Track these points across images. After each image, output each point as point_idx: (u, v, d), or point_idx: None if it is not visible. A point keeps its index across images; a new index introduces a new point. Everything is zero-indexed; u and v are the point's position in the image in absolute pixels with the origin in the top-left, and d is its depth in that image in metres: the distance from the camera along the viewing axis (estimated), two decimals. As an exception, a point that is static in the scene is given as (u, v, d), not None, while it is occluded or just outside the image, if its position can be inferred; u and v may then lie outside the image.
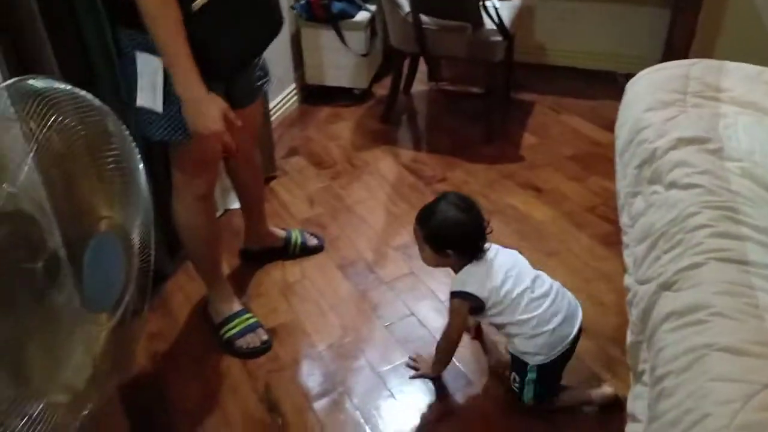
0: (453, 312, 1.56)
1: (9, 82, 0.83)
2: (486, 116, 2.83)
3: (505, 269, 1.51)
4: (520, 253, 1.62)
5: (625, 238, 1.47)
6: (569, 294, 1.58)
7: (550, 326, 1.48)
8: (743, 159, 1.33)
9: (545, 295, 1.51)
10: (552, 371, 1.55)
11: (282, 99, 2.96)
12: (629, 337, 1.27)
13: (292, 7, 2.92)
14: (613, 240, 2.17)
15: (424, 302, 1.97)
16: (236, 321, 1.82)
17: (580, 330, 1.54)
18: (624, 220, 1.49)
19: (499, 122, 2.91)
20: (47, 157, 0.90)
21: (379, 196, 2.48)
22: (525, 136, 2.87)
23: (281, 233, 2.15)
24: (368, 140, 2.84)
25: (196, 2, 1.29)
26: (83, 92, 0.94)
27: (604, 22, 3.32)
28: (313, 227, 2.29)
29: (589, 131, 2.88)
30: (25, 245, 0.85)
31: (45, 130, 0.89)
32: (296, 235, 2.17)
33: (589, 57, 3.38)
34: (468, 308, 1.53)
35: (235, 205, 2.32)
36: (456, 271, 1.56)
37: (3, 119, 0.85)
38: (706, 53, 3.05)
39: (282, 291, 2.03)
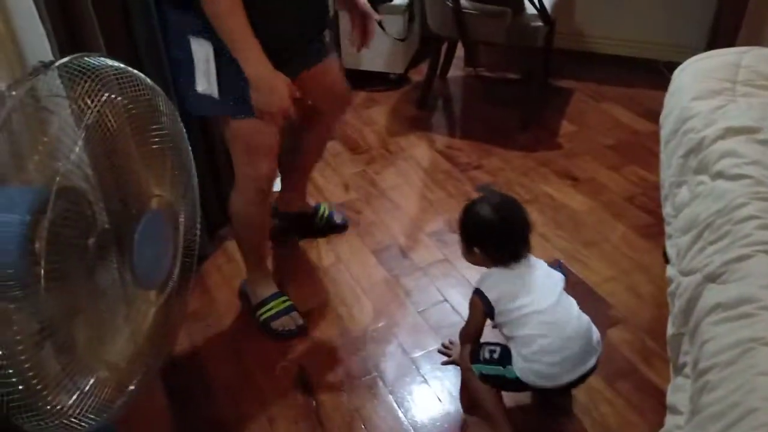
0: (470, 306, 1.53)
1: (65, 59, 0.85)
2: (523, 103, 2.80)
3: (530, 287, 1.42)
4: (562, 269, 1.54)
5: (668, 229, 1.44)
6: (594, 335, 1.44)
7: (553, 359, 1.38)
8: (795, 150, 1.29)
9: (558, 324, 1.40)
10: (522, 388, 1.47)
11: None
12: (670, 329, 1.25)
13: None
14: (651, 231, 2.14)
15: (457, 289, 1.96)
16: (273, 303, 1.84)
17: (584, 376, 1.43)
18: (668, 210, 1.46)
19: (537, 109, 2.88)
20: (99, 135, 0.91)
21: (413, 182, 2.48)
22: (563, 124, 2.83)
23: (312, 202, 2.21)
24: (404, 126, 2.84)
25: None
26: (135, 71, 0.95)
27: (646, 8, 3.24)
28: (347, 212, 2.30)
29: (629, 120, 2.83)
30: (78, 221, 0.87)
31: (98, 107, 0.90)
32: (324, 208, 2.21)
33: (631, 44, 3.31)
34: (481, 312, 1.48)
35: (275, 188, 2.34)
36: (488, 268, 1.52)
37: (58, 98, 0.87)
38: (753, 42, 2.97)
39: (317, 274, 2.04)
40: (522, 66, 2.99)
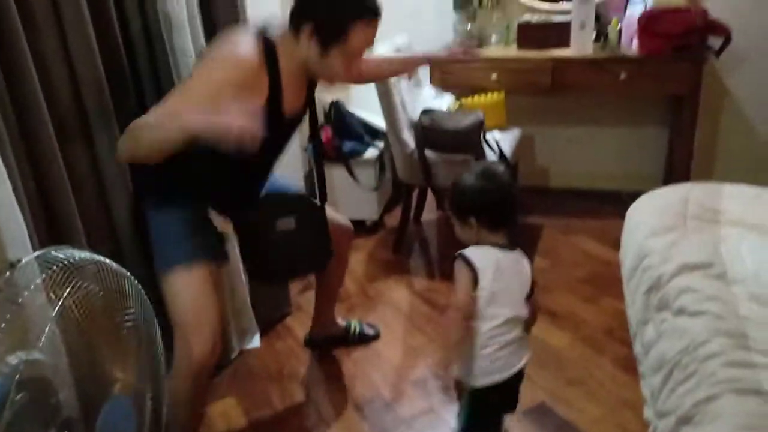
0: (456, 275, 1.53)
1: (36, 253, 0.89)
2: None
3: (511, 284, 1.53)
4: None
5: (640, 368, 1.45)
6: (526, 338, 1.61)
7: (496, 349, 1.50)
8: (749, 282, 1.34)
9: (512, 321, 1.52)
10: (485, 404, 1.56)
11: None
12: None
13: (305, 149, 3.08)
14: (633, 364, 2.12)
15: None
16: None
17: (521, 373, 1.58)
18: (637, 348, 1.48)
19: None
20: (68, 322, 0.94)
21: (394, 328, 2.48)
22: (536, 260, 2.90)
23: (342, 322, 2.35)
24: (381, 271, 2.89)
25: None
26: (101, 258, 1.00)
27: (604, 144, 3.46)
28: (327, 364, 2.28)
29: (599, 252, 2.91)
30: (41, 411, 0.86)
31: (66, 296, 0.93)
32: (354, 325, 2.36)
33: (593, 178, 3.49)
34: (469, 277, 1.49)
35: (253, 344, 2.35)
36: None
37: (31, 289, 0.90)
38: (707, 171, 3.15)
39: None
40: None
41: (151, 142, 1.33)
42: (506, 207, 1.57)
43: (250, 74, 1.49)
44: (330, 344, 2.34)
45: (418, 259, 3.07)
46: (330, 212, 1.99)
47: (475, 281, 1.50)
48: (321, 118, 3.16)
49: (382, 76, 2.36)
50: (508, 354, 1.53)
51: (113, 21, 1.67)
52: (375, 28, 1.56)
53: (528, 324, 1.61)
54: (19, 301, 0.94)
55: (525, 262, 1.61)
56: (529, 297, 1.61)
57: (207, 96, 1.37)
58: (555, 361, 2.23)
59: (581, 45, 2.92)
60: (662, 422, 1.20)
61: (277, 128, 1.59)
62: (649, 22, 2.78)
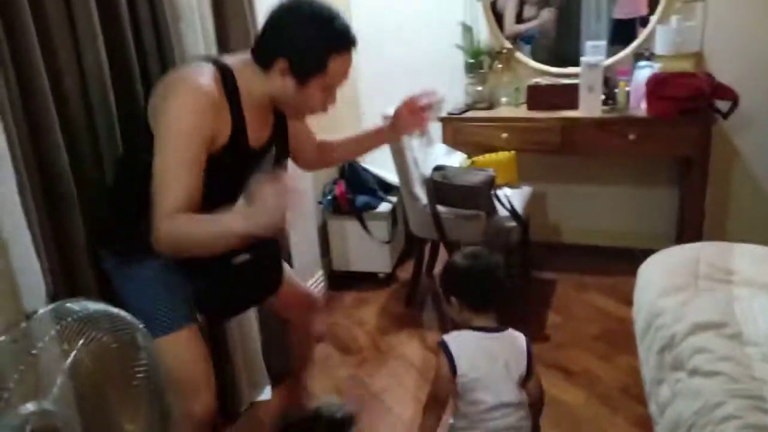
0: (436, 365, 1.52)
1: (51, 306, 0.91)
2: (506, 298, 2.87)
3: (499, 367, 1.49)
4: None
5: (656, 428, 1.42)
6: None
7: None
8: (762, 343, 1.33)
9: (504, 405, 1.49)
10: None
11: (309, 285, 3.05)
12: None
13: (320, 202, 3.13)
14: (649, 423, 2.08)
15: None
16: None
17: None
18: (653, 408, 1.46)
19: (522, 302, 2.94)
20: (79, 374, 0.95)
21: (405, 382, 2.46)
22: (549, 316, 2.88)
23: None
24: (394, 324, 2.88)
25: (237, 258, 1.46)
26: (115, 309, 1.02)
27: (616, 202, 3.48)
28: (338, 419, 2.25)
29: (613, 308, 2.88)
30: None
31: (79, 347, 0.95)
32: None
33: (605, 235, 3.49)
34: (446, 365, 1.47)
35: (263, 396, 2.33)
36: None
37: (45, 341, 0.92)
38: (719, 230, 3.15)
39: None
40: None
41: (205, 246, 1.37)
42: (489, 289, 1.56)
43: (211, 107, 1.40)
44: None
45: (430, 313, 3.06)
46: (293, 279, 1.91)
47: (453, 369, 1.50)
48: (335, 172, 3.23)
49: (352, 154, 2.11)
50: None
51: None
52: (351, 58, 1.50)
53: (534, 408, 1.57)
54: (33, 352, 0.95)
55: (518, 343, 1.58)
56: (526, 379, 1.57)
57: (183, 151, 1.36)
58: (569, 419, 2.19)
59: (590, 107, 2.98)
60: (678, 486, 1.18)
61: (243, 161, 1.54)
62: (657, 85, 2.83)
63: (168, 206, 1.32)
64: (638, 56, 3.16)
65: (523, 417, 1.53)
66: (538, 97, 3.15)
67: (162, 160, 1.36)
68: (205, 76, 1.42)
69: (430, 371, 2.49)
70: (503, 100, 3.37)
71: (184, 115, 1.37)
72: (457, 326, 1.63)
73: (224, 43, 2.05)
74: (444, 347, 1.51)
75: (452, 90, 3.36)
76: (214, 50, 1.97)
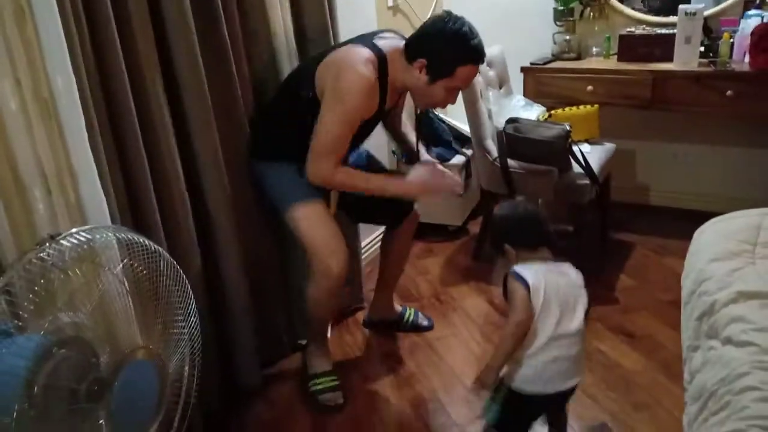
0: (514, 293, 1.54)
1: (69, 232, 1.02)
2: (577, 256, 2.79)
3: (563, 297, 1.54)
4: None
5: (685, 396, 1.37)
6: (583, 360, 1.62)
7: (541, 365, 1.52)
8: (809, 317, 1.23)
9: (567, 335, 1.53)
10: (520, 407, 1.59)
11: (379, 233, 3.11)
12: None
13: (393, 152, 3.15)
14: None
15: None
16: (323, 379, 2.15)
17: (567, 393, 1.60)
18: (685, 376, 1.41)
19: (593, 263, 2.85)
20: (112, 292, 1.06)
21: (461, 333, 2.49)
22: (621, 279, 2.79)
23: (398, 308, 2.52)
24: (457, 276, 2.90)
25: None
26: (144, 239, 1.12)
27: (711, 163, 3.25)
28: (390, 362, 2.33)
29: (692, 275, 2.74)
30: (77, 368, 0.99)
31: (111, 269, 1.06)
32: (410, 313, 2.51)
33: (695, 198, 3.28)
34: (525, 293, 1.51)
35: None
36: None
37: (90, 264, 1.04)
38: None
39: (352, 424, 2.05)
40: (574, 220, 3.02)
41: (370, 190, 2.00)
42: (537, 225, 1.64)
43: (371, 93, 1.86)
44: (385, 327, 2.49)
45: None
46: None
47: (529, 296, 1.52)
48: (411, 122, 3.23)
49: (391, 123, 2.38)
50: (558, 370, 1.54)
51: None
52: (476, 70, 1.90)
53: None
54: (80, 269, 1.07)
55: (574, 273, 1.62)
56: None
57: (347, 128, 1.86)
58: (624, 383, 2.15)
59: (685, 59, 2.77)
60: (690, 453, 1.15)
61: (379, 118, 2.03)
62: (763, 36, 2.59)
63: (332, 165, 1.87)
64: (748, 4, 2.89)
65: (582, 348, 1.59)
66: (630, 47, 2.98)
67: (330, 127, 1.84)
68: (369, 64, 1.83)
69: (486, 324, 2.52)
70: (593, 50, 3.21)
71: (352, 98, 1.81)
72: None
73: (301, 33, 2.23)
74: (518, 276, 1.54)
75: (539, 39, 3.24)
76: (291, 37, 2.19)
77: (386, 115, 2.11)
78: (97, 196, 1.49)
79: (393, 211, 2.26)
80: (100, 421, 1.01)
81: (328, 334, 2.29)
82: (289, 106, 2.00)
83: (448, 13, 1.86)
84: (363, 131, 1.98)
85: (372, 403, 2.14)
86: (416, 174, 2.02)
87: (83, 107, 1.48)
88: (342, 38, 2.23)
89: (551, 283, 1.55)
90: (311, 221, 1.97)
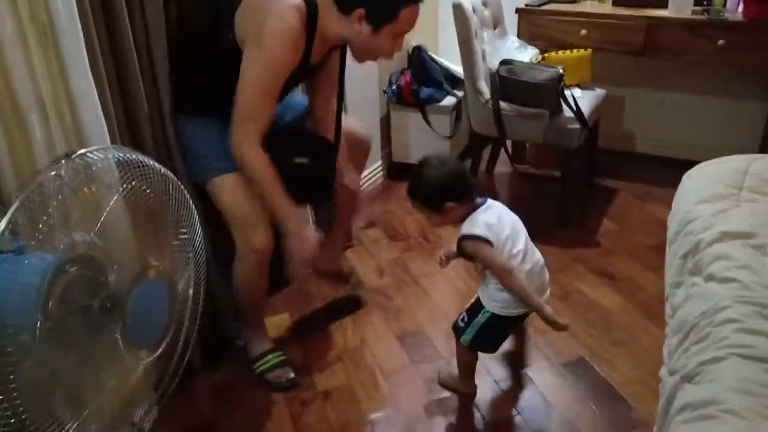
0: (476, 255, 1.68)
1: (84, 150, 1.02)
2: (561, 200, 2.86)
3: (510, 221, 1.70)
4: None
5: (666, 329, 1.44)
6: (546, 272, 1.80)
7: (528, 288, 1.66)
8: (789, 257, 1.30)
9: (535, 262, 1.73)
10: (498, 327, 1.76)
11: (368, 174, 3.13)
12: (654, 429, 1.25)
13: (384, 91, 3.14)
14: (682, 334, 2.09)
15: (479, 381, 1.97)
16: (268, 357, 2.03)
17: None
18: (667, 311, 1.47)
19: (578, 207, 2.92)
20: (119, 212, 1.08)
21: (446, 271, 2.54)
22: (604, 223, 2.86)
23: (345, 267, 2.51)
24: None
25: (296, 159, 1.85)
26: (152, 162, 1.13)
27: (698, 113, 3.29)
28: (378, 297, 2.39)
29: (673, 221, 2.81)
30: (90, 285, 1.01)
31: (122, 189, 1.07)
32: (354, 277, 2.49)
33: (682, 147, 3.33)
34: (486, 246, 1.63)
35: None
36: (461, 223, 1.71)
37: (102, 184, 1.05)
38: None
39: (341, 356, 2.12)
40: (561, 164, 3.06)
41: (254, 182, 1.75)
42: (467, 177, 1.74)
43: (296, 42, 1.70)
44: (331, 279, 2.44)
45: (484, 211, 3.09)
46: (350, 124, 2.15)
47: (492, 246, 1.65)
48: (403, 62, 3.21)
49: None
50: (537, 277, 1.74)
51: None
52: (418, 10, 1.75)
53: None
54: (90, 189, 1.08)
55: (497, 204, 1.76)
56: None
57: (272, 83, 1.69)
58: (603, 321, 2.23)
59: (679, 6, 2.78)
60: (670, 379, 1.22)
61: (303, 72, 1.84)
62: (758, -16, 2.59)
63: (257, 134, 1.69)
64: (745, -48, 2.87)
65: (539, 255, 1.78)
66: (625, -9, 2.96)
67: (254, 82, 1.66)
68: (295, 11, 1.66)
69: (471, 264, 2.57)
70: (588, -7, 3.18)
71: (278, 49, 1.65)
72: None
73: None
74: (472, 237, 1.66)
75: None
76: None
77: (310, 72, 1.92)
78: (98, 120, 1.48)
79: (316, 191, 2.02)
80: (116, 335, 1.05)
81: (263, 318, 2.14)
82: (206, 48, 1.82)
83: None
84: (284, 86, 1.78)
85: (362, 336, 2.21)
86: (304, 233, 1.84)
87: (84, 28, 1.45)
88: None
89: (496, 220, 1.68)
90: (233, 193, 1.81)
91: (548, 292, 1.80)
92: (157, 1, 1.71)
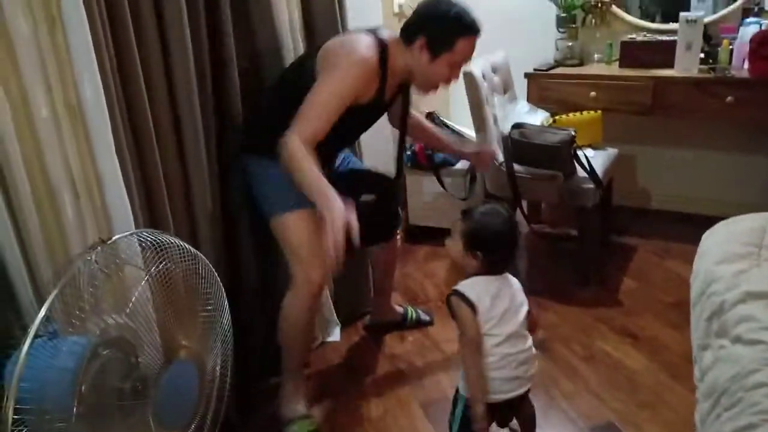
0: (455, 313, 1.63)
1: (119, 236, 1.06)
2: (580, 259, 2.86)
3: (509, 300, 1.64)
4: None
5: (696, 394, 1.42)
6: (532, 365, 1.69)
7: (497, 374, 1.61)
8: (815, 317, 1.29)
9: (521, 349, 1.64)
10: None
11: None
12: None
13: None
14: (711, 395, 2.05)
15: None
16: (299, 424, 2.01)
17: (523, 396, 1.69)
18: (696, 374, 1.46)
19: (596, 266, 2.91)
20: (149, 295, 1.10)
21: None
22: (624, 281, 2.84)
23: (400, 309, 2.60)
24: (463, 278, 2.93)
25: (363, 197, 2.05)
26: (182, 243, 1.16)
27: (710, 169, 3.32)
28: (401, 363, 2.38)
29: (694, 278, 2.79)
30: (122, 366, 1.03)
31: (150, 272, 1.10)
32: (411, 311, 2.61)
33: (696, 203, 3.34)
34: (468, 311, 1.59)
35: (333, 338, 2.49)
36: (468, 276, 1.68)
37: (133, 267, 1.08)
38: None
39: (363, 425, 2.09)
40: (578, 223, 3.08)
41: (292, 176, 1.76)
42: (514, 248, 1.71)
43: (370, 74, 1.86)
44: (388, 329, 2.56)
45: (502, 272, 3.10)
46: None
47: (474, 313, 1.61)
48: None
49: (428, 142, 2.68)
50: (509, 374, 1.63)
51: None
52: (475, 42, 1.91)
53: (530, 329, 1.72)
54: (107, 272, 1.12)
55: (515, 281, 1.72)
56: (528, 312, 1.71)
57: (338, 99, 1.78)
58: (629, 382, 2.20)
59: (686, 65, 2.84)
60: (704, 448, 1.20)
61: (377, 110, 2.05)
62: (761, 43, 2.65)
63: (308, 134, 1.75)
64: (747, 12, 2.95)
65: (529, 346, 1.69)
66: (632, 53, 3.04)
67: (320, 95, 1.78)
68: (371, 48, 1.85)
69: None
70: (595, 56, 3.27)
71: (350, 76, 1.80)
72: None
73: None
74: (460, 295, 1.64)
75: (542, 45, 3.29)
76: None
77: (386, 108, 2.11)
78: (122, 201, 1.53)
79: (382, 227, 2.29)
80: (148, 417, 1.05)
81: (305, 370, 2.14)
82: (287, 97, 1.90)
83: None
84: (359, 120, 1.96)
85: (383, 404, 2.18)
86: (339, 208, 1.68)
87: (110, 113, 1.52)
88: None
89: (496, 293, 1.64)
90: (299, 230, 1.91)
91: (526, 387, 1.69)
92: (187, 85, 1.80)
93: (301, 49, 2.20)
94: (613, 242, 3.16)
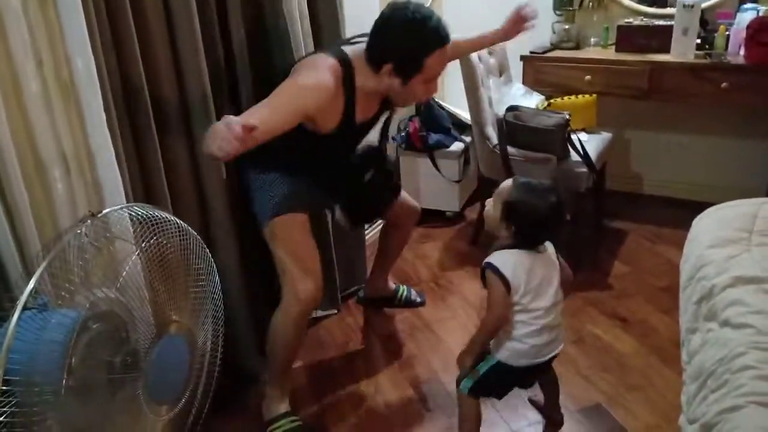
0: (491, 288, 1.60)
1: (110, 209, 1.06)
2: (572, 243, 2.86)
3: (541, 274, 1.62)
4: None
5: (683, 376, 1.44)
6: (557, 339, 1.71)
7: (534, 342, 1.62)
8: (803, 301, 1.30)
9: (554, 318, 1.65)
10: (502, 377, 1.68)
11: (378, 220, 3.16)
12: (676, 480, 1.23)
13: (393, 138, 3.19)
14: (698, 378, 2.07)
15: (493, 430, 1.96)
16: (282, 422, 1.95)
17: (549, 361, 1.72)
18: (683, 356, 1.47)
19: (588, 250, 2.92)
20: (140, 269, 1.10)
21: (459, 316, 2.55)
22: (615, 265, 2.86)
23: (392, 286, 2.57)
24: (455, 261, 2.95)
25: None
26: (173, 218, 1.15)
27: (703, 153, 3.32)
28: (391, 343, 2.39)
29: (684, 263, 2.81)
30: (112, 340, 1.03)
31: (141, 246, 1.10)
32: (403, 289, 2.58)
33: (689, 188, 3.35)
34: (502, 290, 1.58)
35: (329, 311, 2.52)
36: (502, 246, 1.64)
37: (124, 241, 1.07)
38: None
39: (354, 404, 2.11)
40: (570, 208, 3.08)
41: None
42: (557, 226, 1.66)
43: (328, 99, 1.71)
44: (379, 304, 2.58)
45: (494, 254, 3.10)
46: (402, 194, 2.30)
47: (508, 289, 1.60)
48: (411, 110, 3.27)
49: (472, 50, 2.56)
50: (545, 340, 1.65)
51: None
52: (446, 51, 1.76)
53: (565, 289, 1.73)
54: (97, 245, 1.11)
55: (548, 251, 1.70)
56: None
57: (292, 112, 1.62)
58: (618, 365, 2.21)
59: (682, 50, 2.83)
60: (690, 428, 1.21)
61: (351, 132, 1.92)
62: (758, 30, 2.64)
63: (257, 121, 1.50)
64: (744, -3, 2.94)
65: (560, 316, 1.71)
66: (628, 38, 3.02)
67: (272, 96, 1.62)
68: (332, 75, 1.70)
69: (484, 309, 2.56)
70: (591, 40, 3.25)
71: (303, 97, 1.65)
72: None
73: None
74: (495, 269, 1.60)
75: (538, 28, 3.26)
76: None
77: (360, 132, 2.01)
78: (114, 177, 1.52)
79: (378, 200, 2.20)
80: (138, 392, 1.06)
81: (289, 378, 2.06)
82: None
83: (391, 6, 1.74)
84: (343, 139, 1.88)
85: (375, 383, 2.19)
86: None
87: (101, 88, 1.50)
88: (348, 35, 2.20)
89: (532, 267, 1.62)
90: (288, 237, 1.86)
91: (559, 348, 1.71)
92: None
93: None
94: (606, 226, 3.17)
